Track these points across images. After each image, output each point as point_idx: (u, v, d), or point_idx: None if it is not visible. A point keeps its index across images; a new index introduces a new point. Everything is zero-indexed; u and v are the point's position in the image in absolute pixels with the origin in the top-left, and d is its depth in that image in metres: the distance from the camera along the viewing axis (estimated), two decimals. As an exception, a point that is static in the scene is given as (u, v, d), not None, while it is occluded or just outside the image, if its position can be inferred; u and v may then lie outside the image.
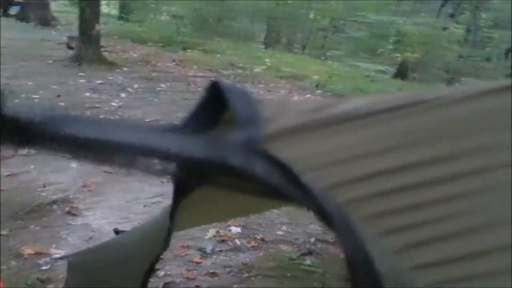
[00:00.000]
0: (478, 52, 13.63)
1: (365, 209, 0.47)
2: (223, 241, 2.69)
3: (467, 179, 0.61)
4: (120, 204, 3.01)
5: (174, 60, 8.76)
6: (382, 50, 13.47)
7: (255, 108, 0.48)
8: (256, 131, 0.46)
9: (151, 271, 0.74)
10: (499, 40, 13.58)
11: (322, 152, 0.49)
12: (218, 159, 0.32)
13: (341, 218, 0.35)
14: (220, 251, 2.59)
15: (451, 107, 0.67)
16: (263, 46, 14.80)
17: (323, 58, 14.13)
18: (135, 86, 6.37)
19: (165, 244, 0.65)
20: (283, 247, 2.74)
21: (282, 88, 7.79)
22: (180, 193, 0.59)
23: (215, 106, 0.51)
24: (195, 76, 7.55)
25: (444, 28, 11.92)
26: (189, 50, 10.11)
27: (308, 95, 7.58)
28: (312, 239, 2.87)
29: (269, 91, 7.34)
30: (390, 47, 12.70)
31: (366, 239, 0.38)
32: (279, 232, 2.87)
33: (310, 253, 2.71)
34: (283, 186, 0.34)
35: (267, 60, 9.96)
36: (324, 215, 0.36)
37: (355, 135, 0.56)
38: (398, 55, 11.71)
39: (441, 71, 13.28)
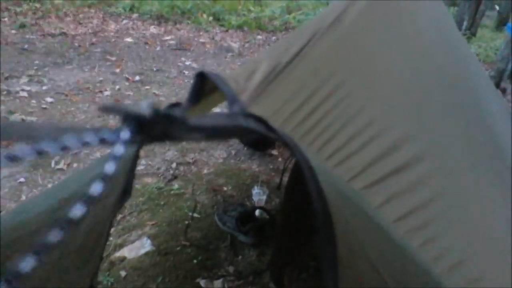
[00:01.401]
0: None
1: (303, 127, 0.66)
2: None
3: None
4: None
5: None
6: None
7: (229, 87, 0.66)
8: (241, 104, 0.65)
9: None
10: None
11: (272, 103, 0.69)
12: (240, 123, 0.48)
13: (293, 144, 0.49)
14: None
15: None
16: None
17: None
18: None
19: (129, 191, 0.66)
20: (148, 179, 2.79)
21: (94, 17, 7.10)
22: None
23: (200, 88, 0.70)
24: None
25: None
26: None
27: (125, 21, 7.11)
28: (174, 165, 2.97)
29: (80, 23, 6.62)
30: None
31: (309, 155, 0.51)
32: (140, 167, 2.89)
33: (175, 177, 2.83)
34: (264, 131, 0.49)
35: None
36: (285, 144, 0.49)
37: (286, 81, 0.74)
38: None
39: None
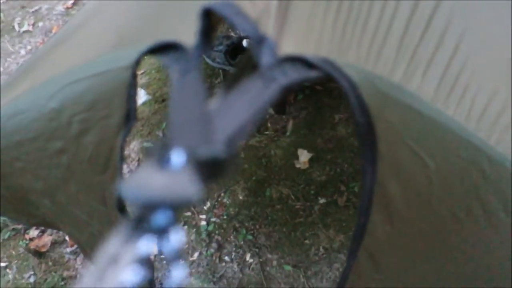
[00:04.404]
0: None
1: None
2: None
3: None
4: None
5: None
6: None
7: (247, 18, 0.47)
8: (271, 44, 0.51)
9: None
10: None
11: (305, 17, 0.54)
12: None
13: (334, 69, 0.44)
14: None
15: None
16: None
17: None
18: None
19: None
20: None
21: None
22: None
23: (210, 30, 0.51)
24: None
25: None
26: None
27: None
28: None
29: None
30: None
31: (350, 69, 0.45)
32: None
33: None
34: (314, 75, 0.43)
35: None
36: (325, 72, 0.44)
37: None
38: None
39: None
